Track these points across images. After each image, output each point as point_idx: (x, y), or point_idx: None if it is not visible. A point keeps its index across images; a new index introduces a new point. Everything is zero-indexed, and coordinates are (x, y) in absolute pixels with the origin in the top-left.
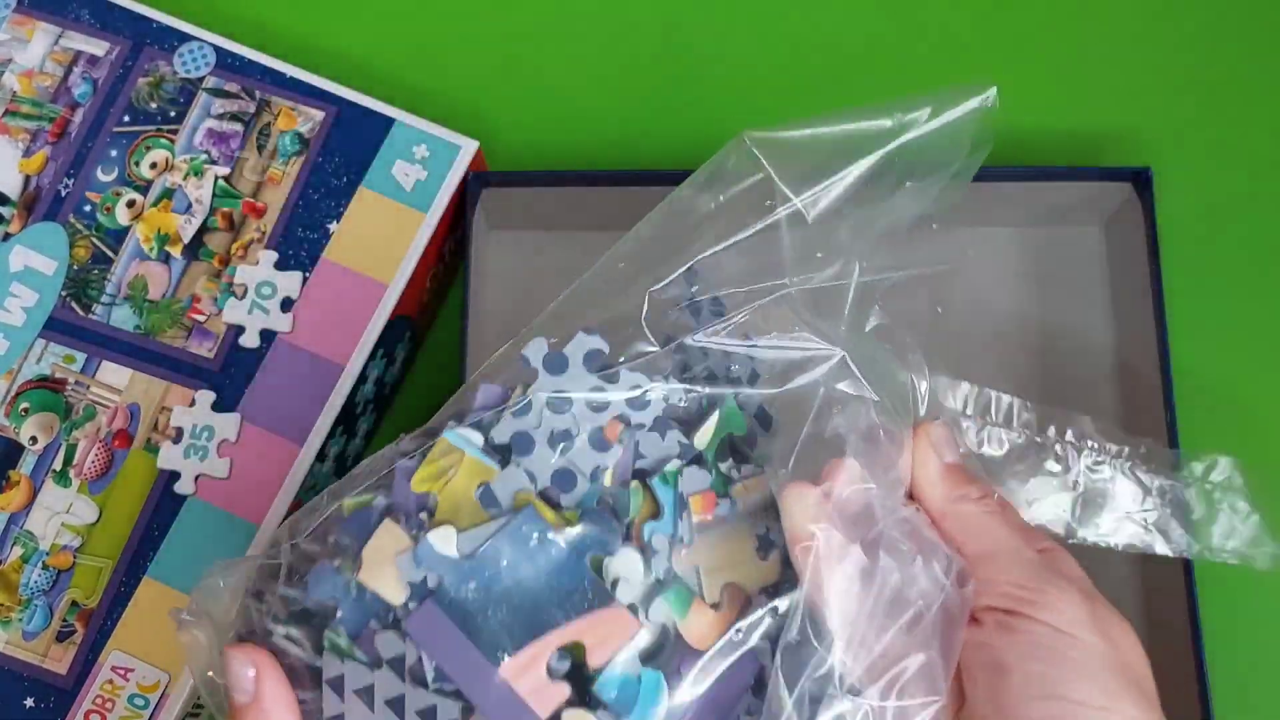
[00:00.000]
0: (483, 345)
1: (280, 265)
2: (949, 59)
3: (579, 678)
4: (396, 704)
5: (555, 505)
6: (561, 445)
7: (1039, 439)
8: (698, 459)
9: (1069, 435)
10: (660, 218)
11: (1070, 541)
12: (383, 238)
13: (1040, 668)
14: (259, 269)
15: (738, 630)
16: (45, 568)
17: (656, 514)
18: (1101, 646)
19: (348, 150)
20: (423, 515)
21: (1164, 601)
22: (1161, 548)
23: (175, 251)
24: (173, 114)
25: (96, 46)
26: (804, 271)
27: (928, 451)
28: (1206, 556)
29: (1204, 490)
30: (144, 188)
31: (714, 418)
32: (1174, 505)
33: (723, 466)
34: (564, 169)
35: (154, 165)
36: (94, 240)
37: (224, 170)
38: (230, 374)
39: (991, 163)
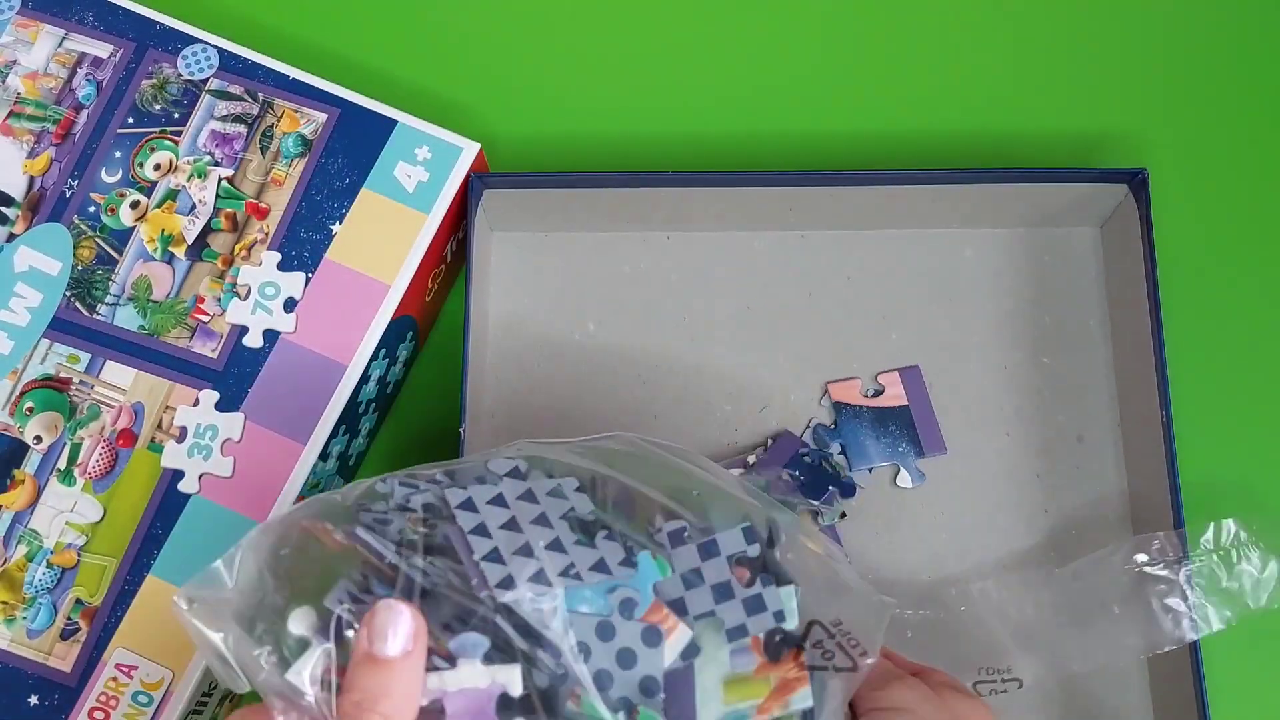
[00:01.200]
0: (484, 345)
1: (283, 266)
2: (947, 59)
3: None
4: (528, 495)
5: None
6: None
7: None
8: None
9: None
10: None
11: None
12: (385, 239)
13: None
14: (262, 269)
15: None
16: (50, 566)
17: None
18: (935, 716)
19: (350, 152)
20: None
21: None
22: (1215, 625)
23: (179, 252)
24: (176, 116)
25: (100, 48)
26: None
27: None
28: (1252, 613)
29: (1223, 557)
30: (148, 189)
31: None
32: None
33: None
34: (565, 170)
35: (158, 167)
36: (98, 241)
37: (227, 172)
38: (234, 374)
39: (988, 165)
